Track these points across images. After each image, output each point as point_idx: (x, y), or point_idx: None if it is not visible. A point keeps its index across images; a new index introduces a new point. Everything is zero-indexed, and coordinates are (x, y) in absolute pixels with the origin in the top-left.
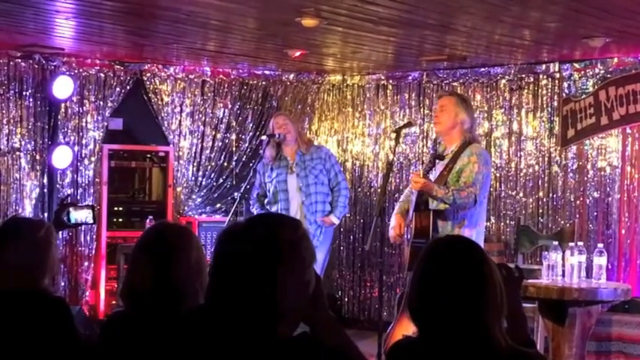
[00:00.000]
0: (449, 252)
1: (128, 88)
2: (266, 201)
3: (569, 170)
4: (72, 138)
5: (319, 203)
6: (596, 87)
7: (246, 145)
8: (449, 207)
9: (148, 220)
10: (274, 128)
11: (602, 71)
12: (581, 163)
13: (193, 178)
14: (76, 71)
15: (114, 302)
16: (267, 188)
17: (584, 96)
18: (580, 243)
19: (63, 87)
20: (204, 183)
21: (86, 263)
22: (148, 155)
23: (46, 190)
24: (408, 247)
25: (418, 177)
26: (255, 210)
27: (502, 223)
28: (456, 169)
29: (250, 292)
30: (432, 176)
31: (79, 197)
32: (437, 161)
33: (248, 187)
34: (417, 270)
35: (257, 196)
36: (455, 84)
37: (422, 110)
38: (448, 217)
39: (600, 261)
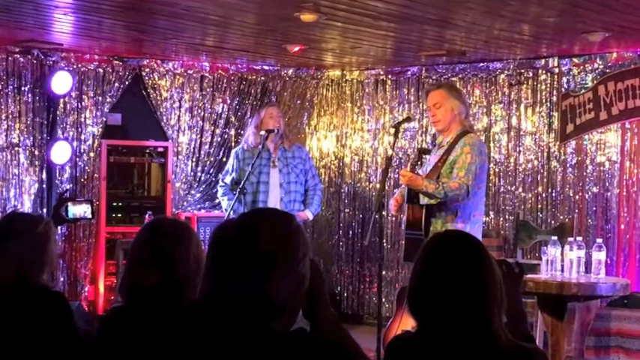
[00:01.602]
0: (448, 247)
1: (127, 83)
2: (239, 188)
3: (568, 165)
4: (71, 133)
5: (297, 202)
6: (595, 82)
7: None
8: (440, 200)
9: (147, 216)
10: (266, 117)
11: (601, 66)
12: (580, 158)
13: (192, 173)
14: (74, 66)
15: (113, 298)
16: (246, 175)
17: (583, 91)
18: (579, 238)
19: (62, 82)
20: (203, 178)
21: (85, 259)
22: (147, 151)
23: (44, 186)
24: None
25: (405, 171)
26: (224, 199)
27: (501, 218)
28: (449, 161)
29: (245, 286)
30: (428, 168)
31: (77, 193)
32: (424, 155)
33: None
34: (416, 265)
35: (231, 183)
36: (454, 79)
37: (421, 105)
38: (441, 209)
39: (599, 256)
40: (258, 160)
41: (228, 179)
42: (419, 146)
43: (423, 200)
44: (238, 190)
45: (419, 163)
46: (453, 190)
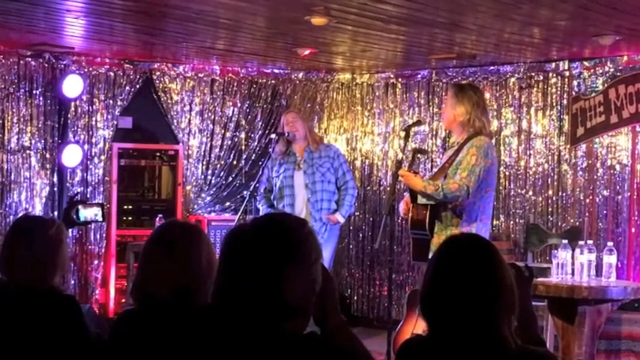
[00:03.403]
0: (461, 251)
1: (138, 86)
2: (272, 196)
3: (578, 168)
4: (82, 137)
5: (325, 201)
6: (605, 85)
7: (256, 143)
8: (438, 201)
9: (157, 219)
10: (284, 125)
11: (612, 69)
12: (590, 162)
13: (203, 176)
14: (85, 70)
15: (124, 301)
16: (274, 183)
17: (593, 94)
18: (590, 241)
19: (73, 86)
20: (213, 181)
21: (96, 262)
22: (158, 154)
23: (56, 189)
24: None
25: (403, 171)
26: (260, 205)
27: (511, 222)
28: (456, 162)
29: (258, 289)
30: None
31: (88, 196)
32: (420, 155)
33: (257, 185)
34: (429, 268)
35: (264, 191)
36: (464, 82)
37: (431, 109)
38: (446, 211)
39: (610, 259)
40: (285, 165)
41: (262, 188)
42: (414, 146)
43: (421, 200)
44: (265, 197)
45: (414, 162)
46: (452, 191)
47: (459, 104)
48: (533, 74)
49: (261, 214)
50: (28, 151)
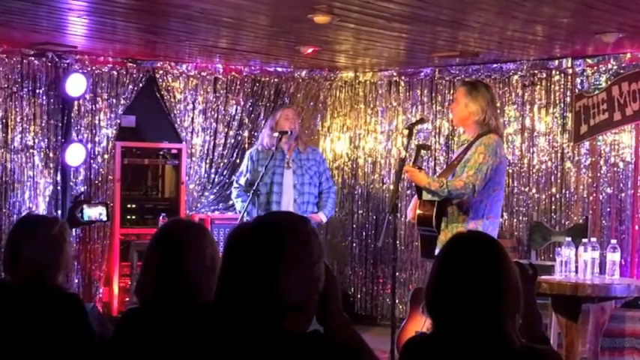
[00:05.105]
0: (468, 248)
1: (141, 85)
2: (253, 189)
3: (582, 166)
4: (85, 135)
5: (310, 204)
6: (609, 82)
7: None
8: (443, 197)
9: (160, 218)
10: (282, 119)
11: (615, 67)
12: (594, 159)
13: (206, 175)
14: (88, 69)
15: (127, 299)
16: (260, 176)
17: (596, 92)
18: (593, 239)
19: (76, 85)
20: (216, 180)
21: (100, 260)
22: (161, 152)
23: (59, 188)
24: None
25: (409, 167)
26: (238, 200)
27: (515, 220)
28: (464, 159)
29: (260, 288)
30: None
31: (92, 195)
32: (423, 151)
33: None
34: (435, 265)
35: (245, 185)
36: (474, 80)
37: (434, 106)
38: (452, 208)
39: (613, 257)
40: (272, 162)
41: (242, 180)
42: (417, 142)
43: (427, 196)
44: (252, 191)
45: (418, 158)
46: (457, 189)
47: (474, 102)
48: (536, 72)
49: (238, 209)
50: (31, 150)
